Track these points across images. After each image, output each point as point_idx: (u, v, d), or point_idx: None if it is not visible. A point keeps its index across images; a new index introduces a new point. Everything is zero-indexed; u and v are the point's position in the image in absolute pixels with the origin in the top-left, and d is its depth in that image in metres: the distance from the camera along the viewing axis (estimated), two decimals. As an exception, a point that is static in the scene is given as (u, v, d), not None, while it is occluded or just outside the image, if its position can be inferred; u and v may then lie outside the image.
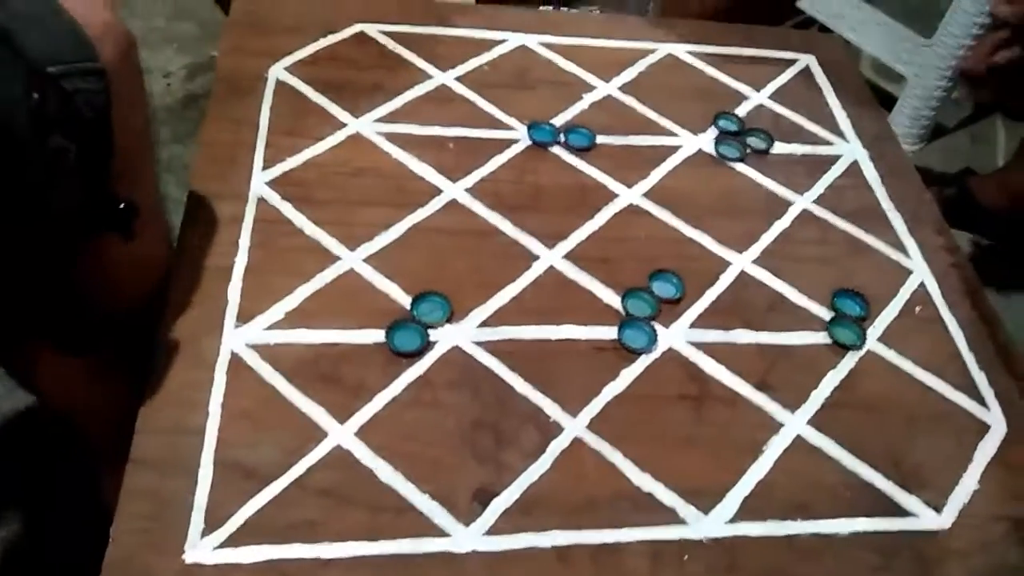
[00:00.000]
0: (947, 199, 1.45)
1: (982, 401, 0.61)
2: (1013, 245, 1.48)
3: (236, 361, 0.54)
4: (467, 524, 0.49)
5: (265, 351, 0.55)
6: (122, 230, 0.52)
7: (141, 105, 0.55)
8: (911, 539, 0.53)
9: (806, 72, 0.87)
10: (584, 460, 0.54)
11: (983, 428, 0.60)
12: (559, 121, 0.75)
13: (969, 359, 0.64)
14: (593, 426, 0.55)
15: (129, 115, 0.51)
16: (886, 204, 0.74)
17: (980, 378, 0.63)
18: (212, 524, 0.47)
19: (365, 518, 0.49)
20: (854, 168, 0.77)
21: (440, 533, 0.49)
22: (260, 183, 0.65)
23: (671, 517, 0.52)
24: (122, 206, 0.51)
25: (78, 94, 0.47)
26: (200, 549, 0.46)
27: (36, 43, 0.45)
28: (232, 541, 0.47)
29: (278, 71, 0.74)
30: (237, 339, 0.55)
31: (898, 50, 1.59)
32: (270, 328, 0.56)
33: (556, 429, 0.55)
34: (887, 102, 1.68)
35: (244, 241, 0.61)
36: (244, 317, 0.56)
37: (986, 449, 0.58)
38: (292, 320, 0.57)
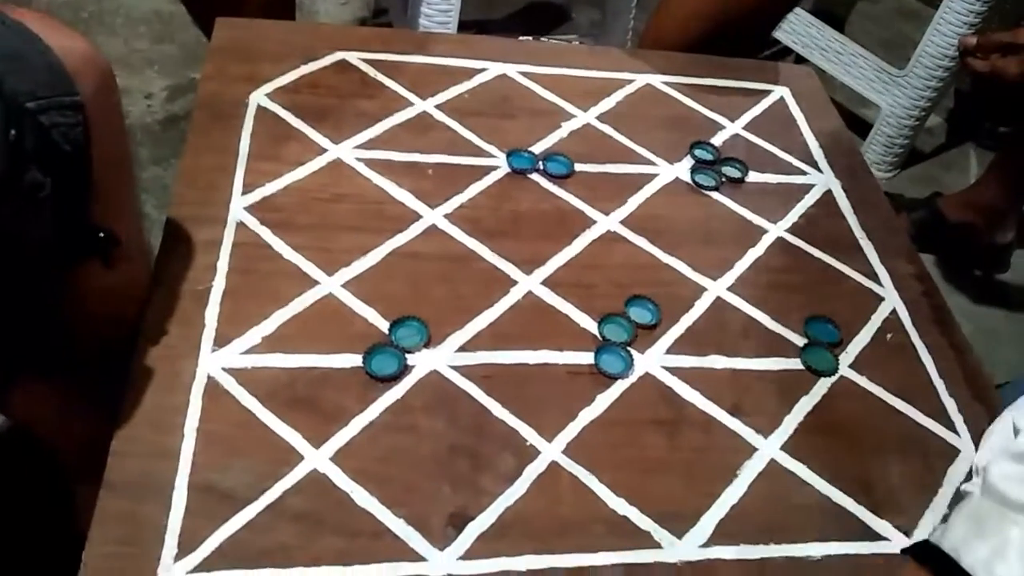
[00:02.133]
0: (917, 221, 1.48)
1: (952, 427, 0.62)
2: (980, 264, 1.51)
3: (212, 385, 0.54)
4: (442, 548, 0.50)
5: (242, 375, 0.55)
6: (102, 258, 0.52)
7: (120, 135, 0.55)
8: (882, 562, 0.54)
9: (780, 103, 0.88)
10: (560, 484, 0.54)
11: (953, 453, 0.61)
12: (538, 149, 0.76)
13: (939, 385, 0.65)
14: (569, 450, 0.55)
15: (108, 146, 0.51)
16: (858, 232, 0.76)
17: (950, 404, 0.64)
18: (185, 548, 0.47)
19: (340, 543, 0.49)
20: (827, 197, 0.79)
21: (415, 557, 0.49)
22: (239, 208, 0.65)
23: (646, 541, 0.52)
24: (101, 235, 0.51)
25: (55, 128, 0.47)
26: (173, 573, 0.46)
27: (15, 79, 0.45)
28: (205, 565, 0.47)
29: (259, 97, 0.74)
30: (214, 363, 0.55)
31: (872, 81, 1.62)
32: (247, 352, 0.56)
33: (532, 453, 0.55)
34: (862, 129, 1.71)
35: (222, 265, 0.61)
36: (221, 341, 0.56)
37: (955, 474, 0.59)
38: (269, 344, 0.57)
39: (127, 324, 0.58)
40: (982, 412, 0.64)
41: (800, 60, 1.72)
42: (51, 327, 0.56)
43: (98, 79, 0.51)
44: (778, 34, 1.75)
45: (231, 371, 0.55)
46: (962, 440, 0.61)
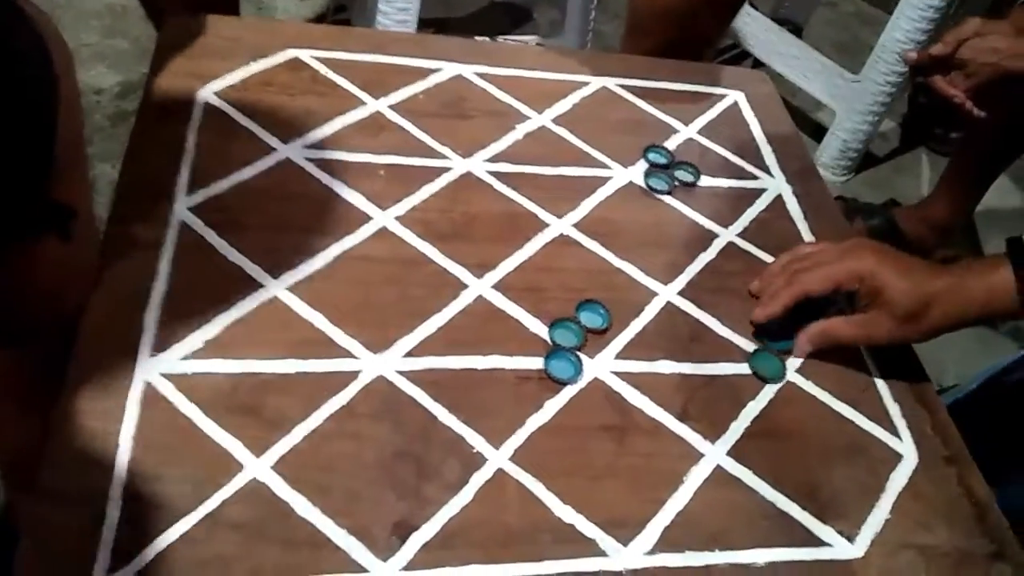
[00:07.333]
0: (872, 229, 1.50)
1: (895, 432, 0.63)
2: None
3: (150, 391, 0.53)
4: (385, 559, 0.49)
5: (181, 381, 0.54)
6: (60, 231, 0.50)
7: (79, 110, 0.54)
8: (825, 568, 0.54)
9: (734, 108, 0.89)
10: (506, 492, 0.53)
11: (896, 458, 0.61)
12: (492, 151, 0.75)
13: (883, 391, 0.66)
14: (516, 457, 0.55)
15: (69, 120, 0.50)
16: (808, 237, 0.76)
17: (894, 409, 0.64)
18: (119, 560, 0.46)
19: (280, 553, 0.48)
20: (778, 202, 0.79)
21: (357, 568, 0.48)
22: (183, 208, 0.64)
23: (592, 548, 0.52)
24: (60, 208, 0.50)
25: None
26: (105, 587, 0.45)
27: None
28: (140, 578, 0.45)
29: (207, 95, 0.73)
30: (152, 369, 0.54)
31: (828, 86, 1.64)
32: (188, 357, 0.55)
33: (479, 460, 0.54)
34: (817, 132, 1.74)
35: (164, 267, 0.59)
36: (160, 346, 0.55)
37: (898, 479, 0.60)
38: (211, 350, 0.56)
39: (71, 304, 0.56)
40: (924, 417, 0.64)
41: (758, 64, 1.74)
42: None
43: (64, 54, 0.50)
44: (736, 38, 1.77)
45: (170, 377, 0.54)
46: (904, 445, 0.62)
